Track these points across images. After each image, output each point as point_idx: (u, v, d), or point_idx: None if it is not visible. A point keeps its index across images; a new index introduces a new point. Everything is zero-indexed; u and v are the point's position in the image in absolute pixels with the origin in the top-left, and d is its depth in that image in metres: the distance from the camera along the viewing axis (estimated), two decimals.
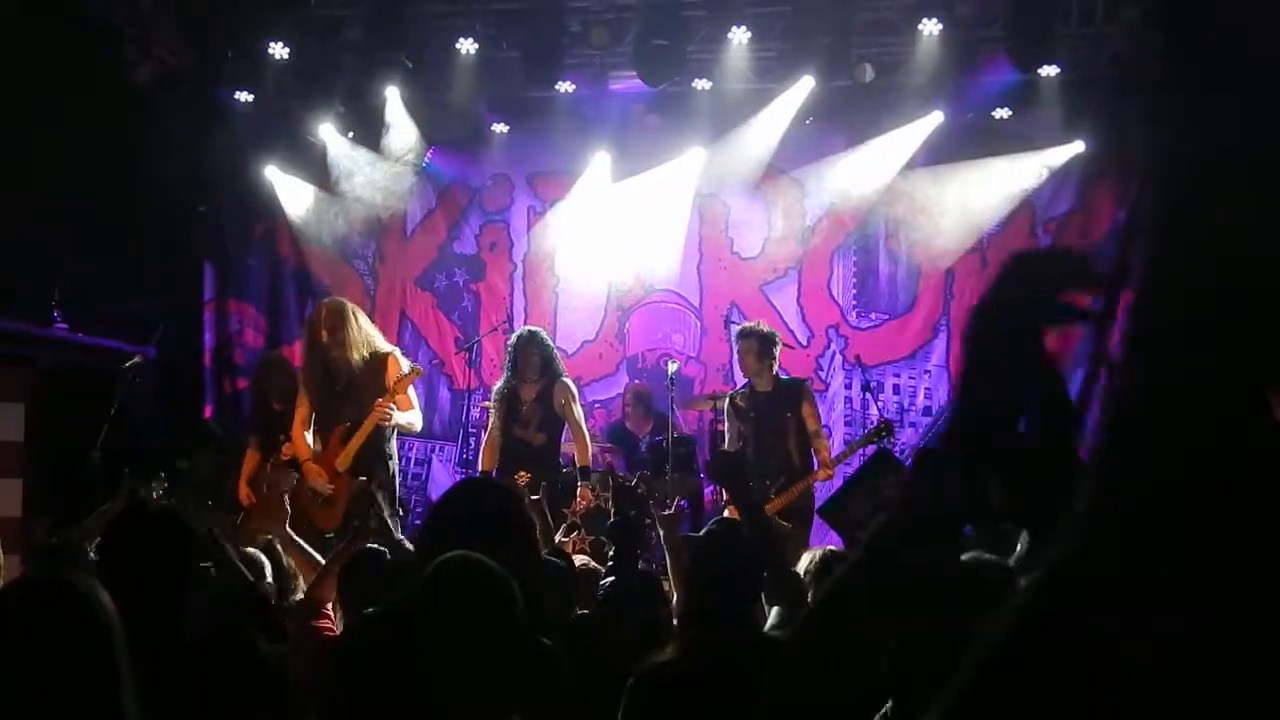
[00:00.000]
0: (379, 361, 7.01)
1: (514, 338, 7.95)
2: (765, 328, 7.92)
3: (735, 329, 8.02)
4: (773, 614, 3.60)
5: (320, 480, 6.88)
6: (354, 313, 7.13)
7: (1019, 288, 1.05)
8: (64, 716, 2.12)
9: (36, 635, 2.14)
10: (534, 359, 7.64)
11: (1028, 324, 1.03)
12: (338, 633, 4.17)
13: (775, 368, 7.74)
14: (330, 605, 4.49)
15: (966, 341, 1.08)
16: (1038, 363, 1.05)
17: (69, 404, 7.71)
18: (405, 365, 7.19)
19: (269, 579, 4.66)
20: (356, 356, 6.96)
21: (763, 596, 3.55)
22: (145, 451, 7.43)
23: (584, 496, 7.38)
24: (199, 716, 2.55)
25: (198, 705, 2.54)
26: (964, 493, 1.10)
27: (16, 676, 2.11)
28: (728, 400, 7.96)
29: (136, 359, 7.37)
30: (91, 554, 3.57)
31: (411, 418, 7.17)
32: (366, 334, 7.13)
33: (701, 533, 3.08)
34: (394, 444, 7.31)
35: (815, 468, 7.76)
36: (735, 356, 7.81)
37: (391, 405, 6.89)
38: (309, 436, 7.13)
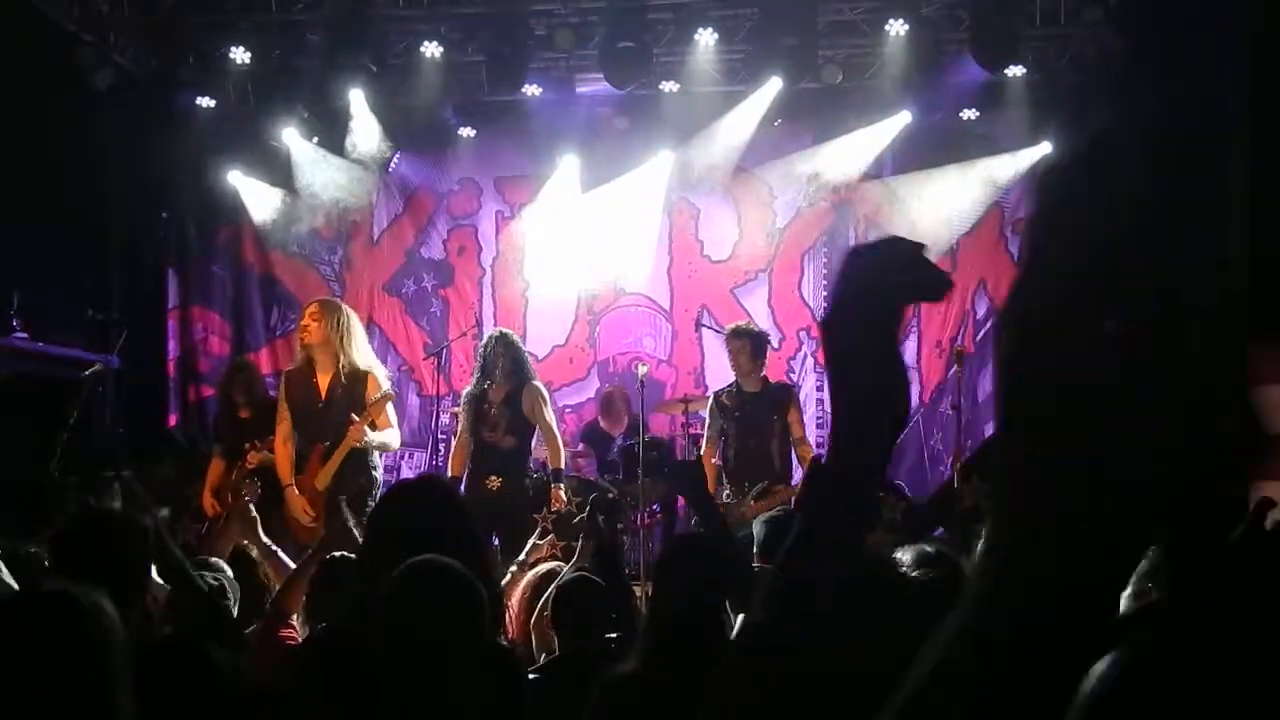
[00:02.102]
0: (360, 378, 6.80)
1: (484, 340, 7.87)
2: (756, 328, 7.91)
3: (727, 329, 7.97)
4: (739, 621, 3.55)
5: (301, 510, 6.71)
6: (352, 315, 6.99)
7: (860, 283, 1.06)
8: None
9: (42, 649, 2.09)
10: (503, 361, 7.53)
11: (873, 319, 1.04)
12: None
13: (764, 369, 7.72)
14: (296, 615, 4.42)
15: (828, 354, 1.09)
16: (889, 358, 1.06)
17: (29, 413, 7.59)
18: (385, 383, 6.99)
19: (230, 587, 4.57)
20: (348, 361, 6.75)
21: (728, 604, 3.50)
22: (107, 461, 7.32)
23: (557, 499, 7.30)
24: None
25: (149, 715, 2.47)
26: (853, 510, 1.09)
27: (16, 690, 2.06)
28: (713, 398, 7.90)
29: (97, 367, 7.27)
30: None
31: (388, 437, 6.98)
32: (361, 342, 6.98)
33: (666, 543, 3.03)
34: (378, 454, 7.21)
35: (798, 474, 7.73)
36: (727, 356, 7.75)
37: (366, 427, 6.67)
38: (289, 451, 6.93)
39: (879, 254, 1.04)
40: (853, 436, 1.04)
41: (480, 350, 7.74)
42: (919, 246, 1.04)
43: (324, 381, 6.78)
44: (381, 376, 6.99)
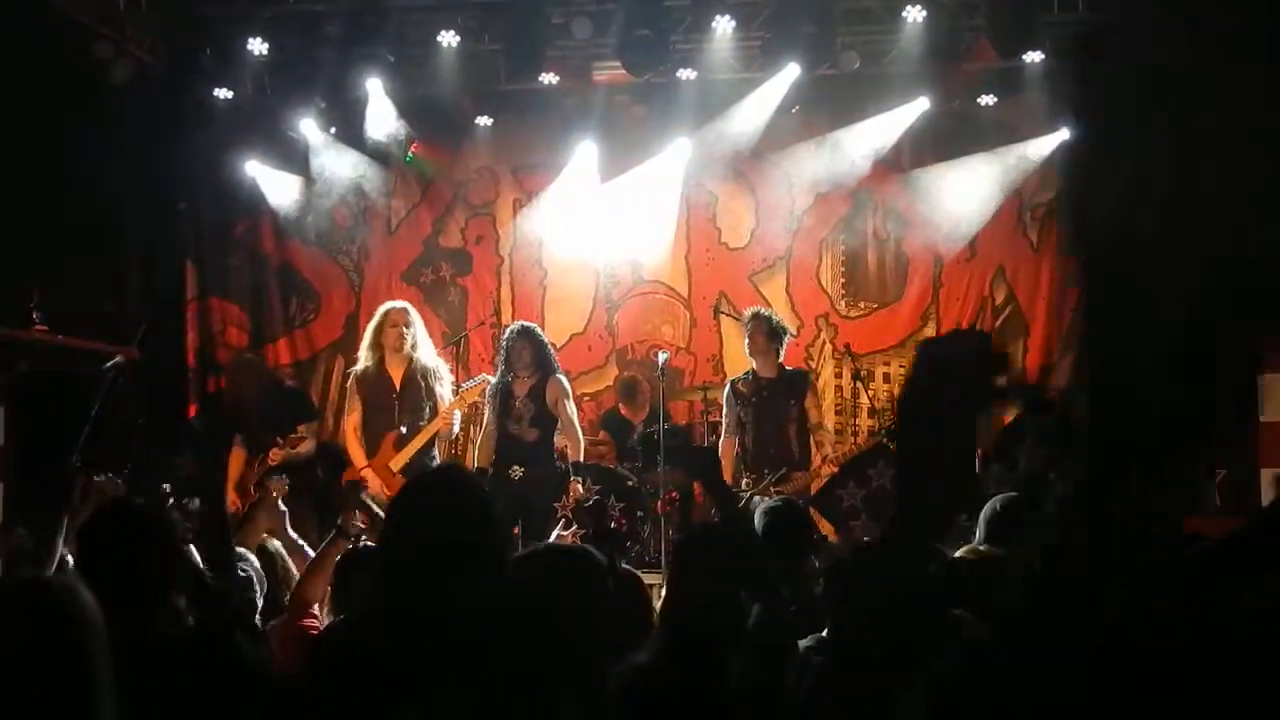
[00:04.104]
0: (432, 372, 7.31)
1: (506, 333, 7.93)
2: (777, 317, 7.93)
3: (747, 311, 8.00)
4: (754, 611, 3.53)
5: (378, 486, 7.04)
6: (418, 320, 7.48)
7: (936, 381, 1.23)
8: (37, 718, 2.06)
9: (11, 637, 2.09)
10: (525, 354, 7.61)
11: (956, 416, 1.22)
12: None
13: (781, 355, 7.72)
14: (318, 605, 4.44)
15: (900, 437, 1.29)
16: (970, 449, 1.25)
17: (50, 407, 7.61)
18: (449, 377, 7.50)
19: (257, 579, 4.59)
20: (420, 361, 7.28)
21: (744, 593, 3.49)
22: (128, 453, 7.35)
23: (574, 492, 7.35)
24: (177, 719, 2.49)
25: (176, 707, 2.48)
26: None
27: None
28: (729, 385, 7.92)
29: (117, 360, 7.27)
30: (68, 555, 3.50)
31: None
32: (429, 343, 7.51)
33: (683, 532, 2.99)
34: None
35: (814, 459, 7.73)
36: (745, 338, 7.79)
37: (455, 414, 7.25)
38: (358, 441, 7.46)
39: (951, 348, 1.20)
40: (917, 508, 1.18)
41: (503, 343, 7.81)
42: (986, 339, 1.22)
43: (396, 376, 7.29)
44: (448, 375, 7.49)
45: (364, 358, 7.43)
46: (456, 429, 7.39)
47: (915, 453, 1.19)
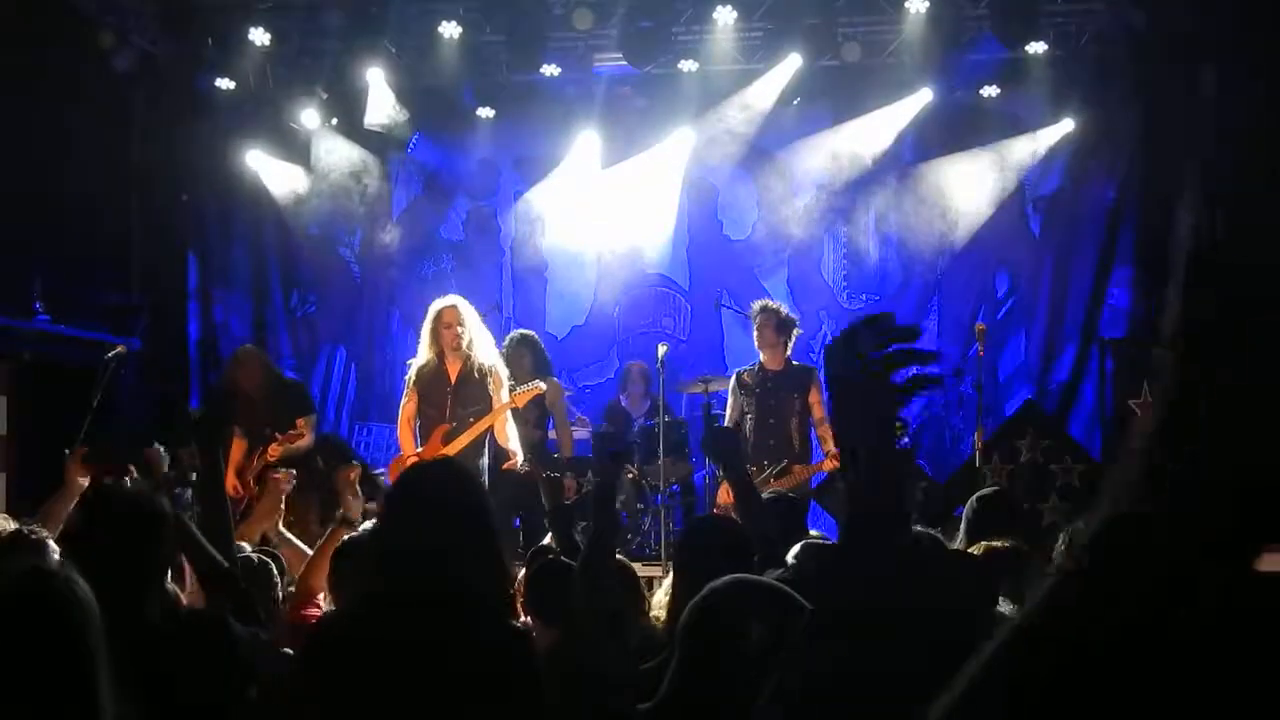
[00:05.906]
0: (489, 371, 7.22)
1: (505, 342, 8.01)
2: (786, 310, 7.92)
3: (756, 304, 7.99)
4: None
5: None
6: (476, 315, 7.35)
7: (845, 359, 1.32)
8: (38, 710, 2.06)
9: (8, 627, 2.08)
10: (525, 360, 7.80)
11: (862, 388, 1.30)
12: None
13: (789, 349, 7.72)
14: (322, 595, 4.44)
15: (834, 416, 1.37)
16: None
17: (52, 397, 7.63)
18: (505, 376, 7.36)
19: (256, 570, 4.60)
20: (477, 358, 7.19)
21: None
22: (129, 443, 7.36)
23: (569, 487, 7.44)
24: (170, 705, 2.49)
25: (168, 693, 2.48)
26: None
27: None
28: (734, 376, 7.93)
29: (119, 350, 7.28)
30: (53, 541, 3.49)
31: (516, 445, 7.32)
32: (487, 339, 7.36)
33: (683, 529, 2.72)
34: (485, 460, 7.54)
35: (816, 454, 7.72)
36: (754, 330, 7.79)
37: (509, 418, 7.18)
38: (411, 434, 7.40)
39: (846, 343, 1.28)
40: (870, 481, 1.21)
41: (503, 352, 7.84)
42: (872, 319, 1.27)
43: (453, 372, 7.22)
44: (504, 374, 7.33)
45: (424, 354, 7.38)
46: (511, 432, 7.23)
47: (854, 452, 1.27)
